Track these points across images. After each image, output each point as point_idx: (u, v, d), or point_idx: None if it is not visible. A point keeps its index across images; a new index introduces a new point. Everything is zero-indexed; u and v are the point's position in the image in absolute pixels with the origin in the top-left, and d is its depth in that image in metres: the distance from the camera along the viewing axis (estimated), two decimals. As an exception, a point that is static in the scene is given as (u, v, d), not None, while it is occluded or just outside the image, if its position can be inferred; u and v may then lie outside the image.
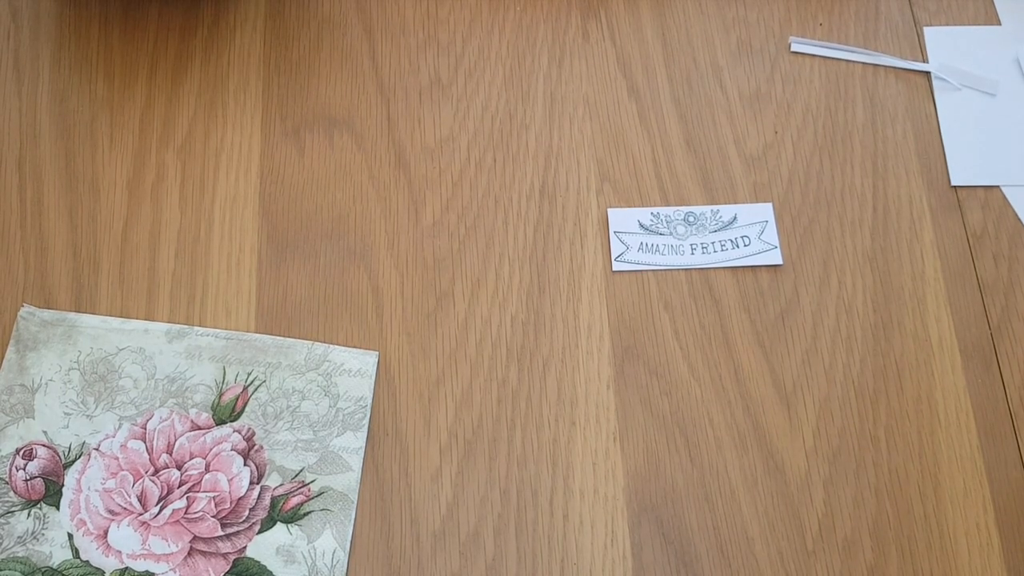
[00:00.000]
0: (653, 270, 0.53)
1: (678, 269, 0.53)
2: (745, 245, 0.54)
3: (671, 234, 0.54)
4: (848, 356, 0.52)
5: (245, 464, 0.49)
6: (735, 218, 0.54)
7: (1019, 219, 0.55)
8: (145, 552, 0.47)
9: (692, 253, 0.54)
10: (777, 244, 0.54)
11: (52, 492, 0.49)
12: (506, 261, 0.54)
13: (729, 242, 0.54)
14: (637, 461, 0.50)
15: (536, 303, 0.53)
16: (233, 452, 0.49)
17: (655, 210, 0.54)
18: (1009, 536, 0.48)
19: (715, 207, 0.54)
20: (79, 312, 0.52)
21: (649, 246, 0.54)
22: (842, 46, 0.58)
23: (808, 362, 0.52)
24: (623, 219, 0.54)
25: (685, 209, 0.54)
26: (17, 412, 0.50)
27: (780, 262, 0.54)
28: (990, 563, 0.48)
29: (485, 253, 0.54)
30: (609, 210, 0.54)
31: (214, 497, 0.48)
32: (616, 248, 0.54)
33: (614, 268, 0.53)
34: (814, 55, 0.58)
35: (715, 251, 0.53)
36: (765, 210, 0.55)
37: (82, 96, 0.57)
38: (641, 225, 0.54)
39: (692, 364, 0.52)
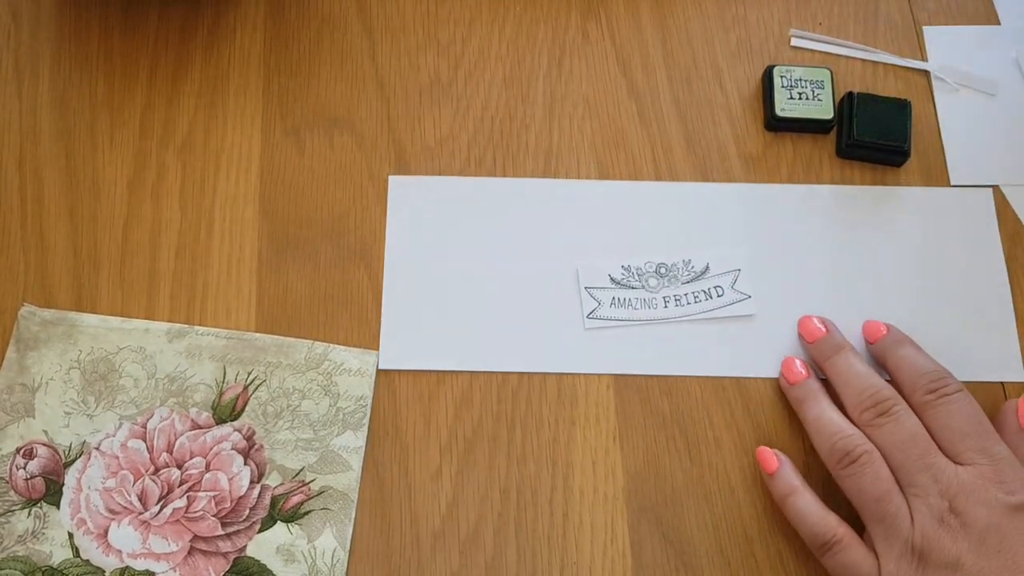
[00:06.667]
0: (627, 326, 0.52)
1: (652, 323, 0.52)
2: (719, 296, 0.52)
3: (643, 287, 0.52)
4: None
5: (245, 463, 0.49)
6: (707, 267, 0.52)
7: (1019, 219, 0.55)
8: (145, 551, 0.48)
9: (666, 306, 0.52)
10: (750, 294, 0.52)
11: (52, 491, 0.49)
12: (506, 261, 0.54)
13: (703, 293, 0.52)
14: (637, 461, 0.50)
15: (536, 303, 0.53)
16: (233, 451, 0.49)
17: (625, 263, 0.52)
18: None
19: (687, 256, 0.52)
20: (80, 311, 0.52)
21: (621, 300, 0.52)
22: (841, 41, 0.58)
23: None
24: (593, 274, 0.52)
25: (656, 260, 0.52)
26: (18, 411, 0.50)
27: (753, 312, 0.52)
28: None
29: (485, 253, 0.54)
30: (579, 265, 0.53)
31: (214, 496, 0.48)
32: (588, 305, 0.52)
33: (586, 326, 0.52)
34: (813, 51, 0.58)
35: (688, 303, 0.52)
36: (737, 256, 0.53)
37: (82, 96, 0.57)
38: (612, 279, 0.52)
39: (692, 363, 0.52)
